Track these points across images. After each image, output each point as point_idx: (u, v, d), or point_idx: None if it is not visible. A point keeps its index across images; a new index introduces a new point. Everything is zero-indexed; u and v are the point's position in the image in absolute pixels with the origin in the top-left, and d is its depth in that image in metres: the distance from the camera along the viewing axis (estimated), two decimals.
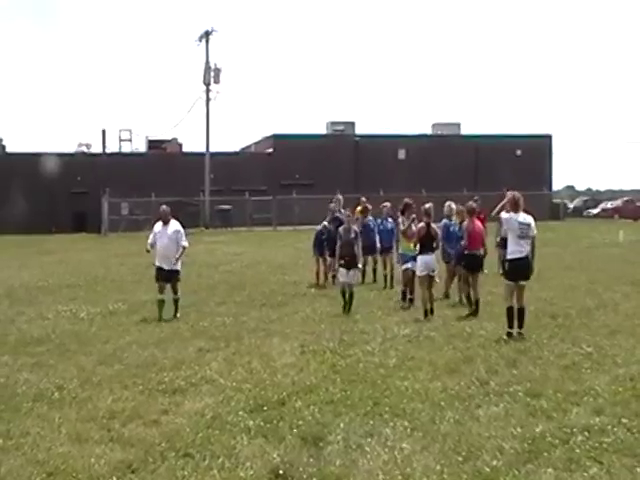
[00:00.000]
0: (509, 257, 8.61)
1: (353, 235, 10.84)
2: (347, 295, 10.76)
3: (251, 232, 37.37)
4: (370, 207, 15.56)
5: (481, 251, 10.41)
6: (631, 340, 8.37)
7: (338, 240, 11.00)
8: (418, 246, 10.53)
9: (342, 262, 10.75)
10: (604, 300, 11.44)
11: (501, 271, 9.44)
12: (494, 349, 8.03)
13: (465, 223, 10.69)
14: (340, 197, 15.24)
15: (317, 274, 14.53)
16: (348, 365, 7.47)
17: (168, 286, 10.70)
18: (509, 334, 8.50)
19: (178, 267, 10.82)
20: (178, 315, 10.62)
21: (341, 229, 11.08)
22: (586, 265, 17.19)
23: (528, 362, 7.40)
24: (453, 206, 12.04)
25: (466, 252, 10.41)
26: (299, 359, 7.82)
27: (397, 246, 12.06)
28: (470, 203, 10.84)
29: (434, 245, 10.40)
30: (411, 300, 11.30)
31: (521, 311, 8.60)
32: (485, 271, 11.42)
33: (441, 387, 6.57)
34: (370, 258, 14.36)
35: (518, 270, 8.57)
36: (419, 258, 10.56)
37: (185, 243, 10.74)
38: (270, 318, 10.56)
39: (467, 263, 10.47)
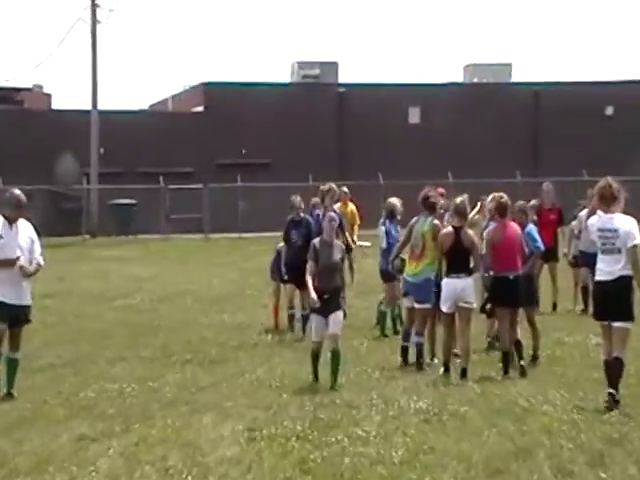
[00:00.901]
0: (595, 280, 9.24)
1: (339, 255, 10.56)
2: (329, 357, 10.37)
3: (168, 242, 37.37)
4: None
5: (515, 273, 10.80)
6: None
7: (310, 262, 10.45)
8: (440, 265, 10.79)
9: (319, 301, 10.27)
10: None
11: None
12: (568, 436, 8.10)
13: (489, 229, 11.24)
14: (334, 186, 15.16)
15: (276, 311, 14.68)
16: (326, 460, 7.53)
17: (7, 334, 9.93)
18: (610, 401, 8.87)
19: (29, 301, 10.29)
20: (14, 393, 10.08)
21: (316, 243, 10.57)
22: None
23: (625, 459, 7.45)
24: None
25: (490, 274, 10.92)
26: (246, 451, 7.84)
27: (392, 265, 12.42)
28: (501, 199, 11.01)
29: (470, 263, 10.66)
30: (432, 358, 11.51)
31: (614, 364, 8.96)
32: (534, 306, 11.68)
33: None
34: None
35: (602, 301, 9.03)
36: (444, 284, 10.75)
37: (41, 260, 10.26)
38: (199, 384, 10.59)
39: (492, 292, 10.89)
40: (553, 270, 15.94)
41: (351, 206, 19.67)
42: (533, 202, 15.61)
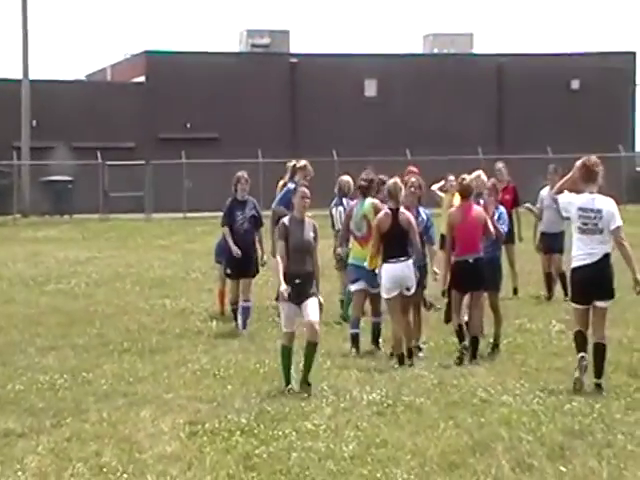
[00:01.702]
0: (572, 265, 9.51)
1: (312, 234, 9.95)
2: (305, 348, 9.78)
3: (107, 223, 37.10)
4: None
5: (476, 255, 11.02)
6: None
7: (280, 242, 9.89)
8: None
9: (289, 288, 9.61)
10: None
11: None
12: (528, 428, 8.14)
13: (451, 210, 11.53)
14: (309, 165, 14.94)
15: (221, 296, 14.61)
16: (272, 456, 7.52)
17: None
18: (577, 384, 9.27)
19: None
20: None
21: (286, 221, 9.99)
22: None
23: (587, 452, 7.51)
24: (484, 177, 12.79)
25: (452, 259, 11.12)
26: (187, 446, 7.80)
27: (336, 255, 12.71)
28: (463, 180, 11.32)
29: (409, 246, 10.86)
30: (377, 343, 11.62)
31: (599, 349, 9.35)
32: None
33: None
34: None
35: (587, 284, 9.29)
36: (383, 269, 10.86)
37: None
38: (137, 375, 10.51)
39: (452, 276, 11.07)
40: (511, 254, 16.00)
41: None
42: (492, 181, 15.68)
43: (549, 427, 8.17)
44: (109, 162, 40.77)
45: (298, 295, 9.66)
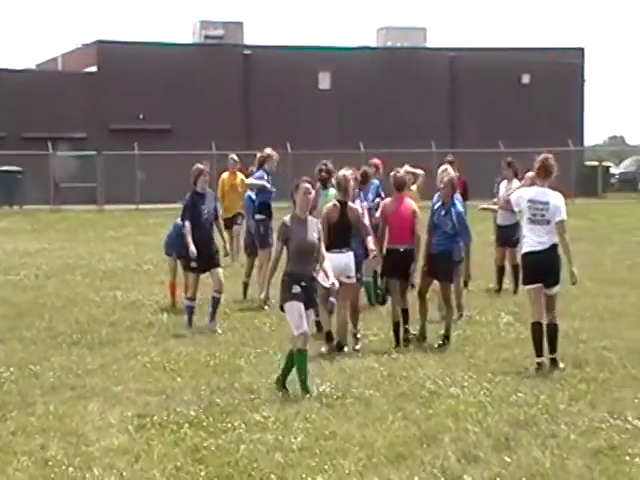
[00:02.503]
0: (524, 250, 10.21)
1: (315, 235, 9.34)
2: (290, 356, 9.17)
3: (57, 214, 36.75)
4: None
5: (406, 246, 11.51)
6: None
7: (278, 244, 9.33)
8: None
9: (296, 288, 9.09)
10: None
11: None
12: (474, 419, 8.23)
13: (385, 201, 12.04)
14: (272, 151, 15.45)
15: (172, 288, 14.59)
16: (221, 448, 7.52)
17: None
18: (539, 365, 9.90)
19: None
20: None
21: (287, 220, 9.32)
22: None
23: (531, 442, 7.59)
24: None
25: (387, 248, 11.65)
26: (134, 439, 7.79)
27: None
28: (397, 173, 11.80)
29: (349, 237, 11.13)
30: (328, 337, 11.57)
31: (552, 329, 10.04)
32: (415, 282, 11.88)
33: None
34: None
35: (538, 268, 9.96)
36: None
37: None
38: (86, 367, 10.46)
39: (384, 263, 11.62)
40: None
41: (241, 176, 19.17)
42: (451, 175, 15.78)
43: (495, 418, 8.26)
44: (60, 152, 40.38)
45: (305, 298, 9.11)
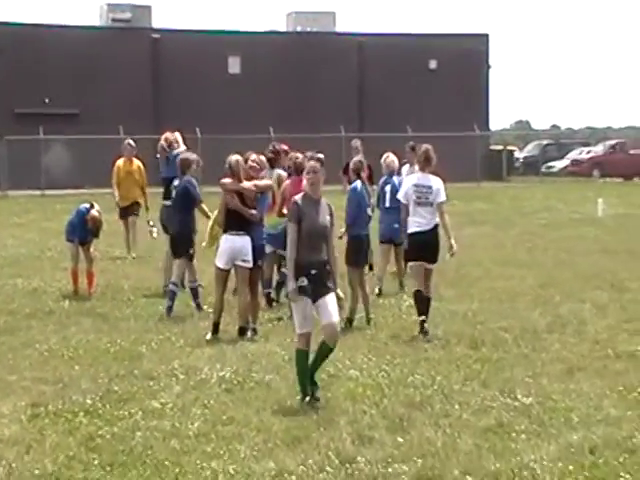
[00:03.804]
0: (409, 230, 11.22)
1: (328, 217, 8.48)
2: (321, 349, 8.45)
3: None
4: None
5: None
6: (598, 383, 8.88)
7: (293, 225, 8.38)
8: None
9: (303, 279, 8.28)
10: (562, 316, 12.12)
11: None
12: (371, 401, 8.30)
13: (286, 182, 12.65)
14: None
15: (75, 275, 14.40)
16: (116, 436, 7.49)
17: None
18: (422, 324, 10.95)
19: None
20: None
21: (299, 199, 8.46)
22: (539, 257, 18.17)
23: (425, 422, 7.72)
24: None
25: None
26: (27, 429, 7.70)
27: None
28: (297, 159, 12.76)
29: (245, 221, 11.21)
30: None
31: (428, 300, 11.20)
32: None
33: (275, 471, 6.70)
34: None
35: (419, 248, 11.09)
36: (222, 240, 11.38)
37: None
38: None
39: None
40: None
41: (137, 162, 18.58)
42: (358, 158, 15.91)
43: (392, 400, 8.36)
44: None
45: (314, 289, 8.27)
